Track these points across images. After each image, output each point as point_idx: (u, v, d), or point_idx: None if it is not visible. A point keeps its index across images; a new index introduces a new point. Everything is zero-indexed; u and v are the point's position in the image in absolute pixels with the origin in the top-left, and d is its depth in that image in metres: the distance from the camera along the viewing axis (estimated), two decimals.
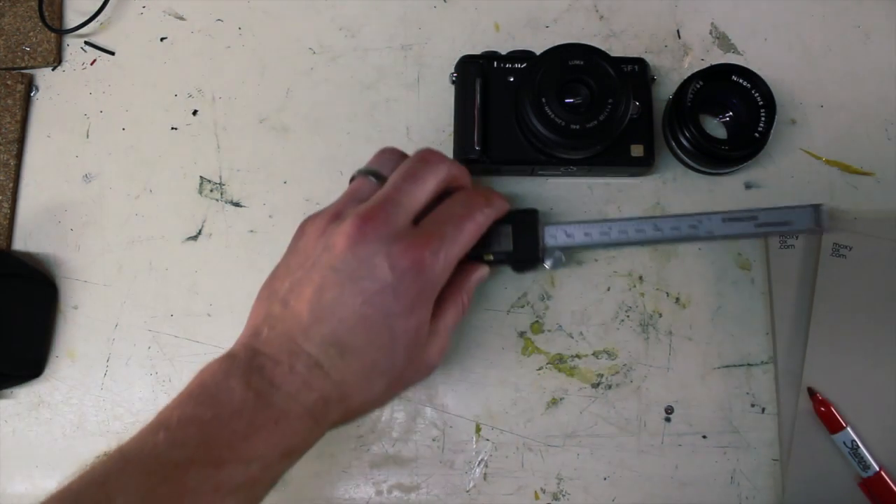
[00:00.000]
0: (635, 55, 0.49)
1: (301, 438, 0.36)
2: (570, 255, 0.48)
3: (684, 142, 0.46)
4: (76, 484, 0.32)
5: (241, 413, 0.34)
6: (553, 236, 0.45)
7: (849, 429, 0.43)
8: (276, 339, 0.36)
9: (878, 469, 0.42)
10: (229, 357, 0.36)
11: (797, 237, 0.46)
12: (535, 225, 0.45)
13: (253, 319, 0.39)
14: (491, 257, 0.44)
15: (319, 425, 0.37)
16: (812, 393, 0.44)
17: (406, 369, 0.39)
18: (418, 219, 0.39)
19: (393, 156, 0.42)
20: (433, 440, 0.47)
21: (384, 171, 0.41)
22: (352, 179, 0.42)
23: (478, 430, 0.47)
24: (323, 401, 0.36)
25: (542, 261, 0.45)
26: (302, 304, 0.36)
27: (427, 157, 0.40)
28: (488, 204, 0.41)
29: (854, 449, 0.43)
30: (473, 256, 0.43)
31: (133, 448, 0.33)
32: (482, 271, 0.43)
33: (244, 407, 0.34)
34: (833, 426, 0.43)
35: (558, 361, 0.47)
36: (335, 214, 0.39)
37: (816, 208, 0.44)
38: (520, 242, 0.44)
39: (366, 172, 0.41)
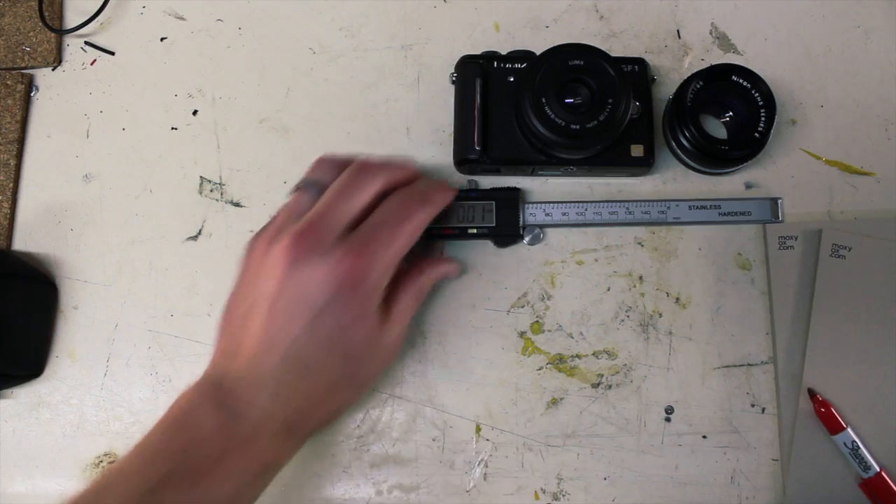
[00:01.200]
0: (635, 55, 0.49)
1: (276, 454, 0.38)
2: (571, 255, 0.48)
3: (684, 142, 0.46)
4: None
5: (212, 438, 0.36)
6: (533, 214, 0.47)
7: (849, 430, 0.43)
8: (237, 371, 0.38)
9: (878, 470, 0.42)
10: (200, 385, 0.38)
11: (796, 238, 0.46)
12: (516, 203, 0.47)
13: (216, 350, 0.40)
14: (475, 231, 0.47)
15: (293, 440, 0.39)
16: (812, 394, 0.44)
17: (369, 367, 0.40)
18: (360, 222, 0.39)
19: (331, 165, 0.42)
20: (433, 440, 0.47)
21: (325, 179, 0.41)
22: (294, 190, 0.42)
23: (478, 430, 0.47)
24: (290, 421, 0.38)
25: (522, 237, 0.47)
26: (254, 337, 0.38)
27: (363, 167, 0.40)
28: (424, 201, 0.41)
29: (855, 450, 0.43)
30: (460, 231, 0.46)
31: (113, 473, 0.35)
32: (450, 267, 0.45)
33: (215, 432, 0.36)
34: (833, 427, 0.43)
35: (558, 361, 0.47)
36: (275, 232, 0.39)
37: (774, 201, 0.47)
38: (502, 218, 0.47)
39: (305, 185, 0.41)
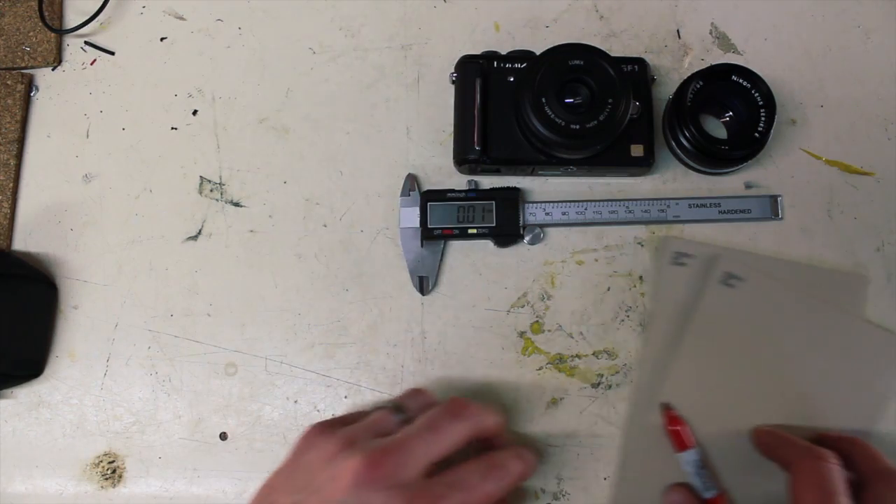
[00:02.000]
0: (635, 55, 0.49)
1: None
2: (571, 255, 0.48)
3: (684, 142, 0.46)
4: None
5: None
6: (533, 214, 0.47)
7: (695, 449, 0.42)
8: None
9: (718, 493, 0.41)
10: None
11: (693, 256, 0.46)
12: (516, 202, 0.47)
13: None
14: (475, 231, 0.47)
15: None
16: (665, 408, 0.44)
17: None
18: (440, 464, 0.38)
19: (422, 398, 0.42)
20: None
21: (411, 409, 0.41)
22: (376, 409, 0.41)
23: None
24: None
25: (523, 236, 0.47)
26: None
27: (456, 410, 0.39)
28: (502, 477, 0.39)
29: (697, 469, 0.42)
30: (460, 230, 0.47)
31: None
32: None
33: None
34: (680, 444, 0.42)
35: (558, 361, 0.47)
36: (348, 442, 0.38)
37: (774, 199, 0.48)
38: (502, 218, 0.47)
39: (391, 407, 0.41)
